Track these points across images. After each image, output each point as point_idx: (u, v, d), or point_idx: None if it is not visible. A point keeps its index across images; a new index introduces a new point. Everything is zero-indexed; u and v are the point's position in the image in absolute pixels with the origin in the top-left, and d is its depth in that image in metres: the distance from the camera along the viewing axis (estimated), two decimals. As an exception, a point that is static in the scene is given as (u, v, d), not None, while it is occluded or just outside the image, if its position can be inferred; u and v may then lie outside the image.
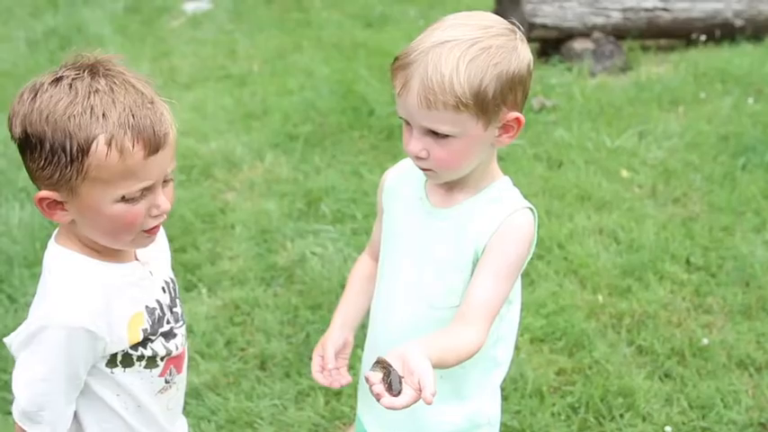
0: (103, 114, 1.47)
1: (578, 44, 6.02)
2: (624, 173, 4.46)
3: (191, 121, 5.43)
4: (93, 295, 1.58)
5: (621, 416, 2.88)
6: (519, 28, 1.72)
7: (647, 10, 6.22)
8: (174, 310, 1.74)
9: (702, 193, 4.27)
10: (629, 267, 3.64)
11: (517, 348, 2.90)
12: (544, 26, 6.01)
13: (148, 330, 1.65)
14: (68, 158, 1.48)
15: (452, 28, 1.66)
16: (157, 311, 1.68)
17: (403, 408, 1.41)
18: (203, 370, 3.21)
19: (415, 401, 1.41)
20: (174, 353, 1.71)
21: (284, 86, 5.85)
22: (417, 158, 1.72)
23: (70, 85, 1.49)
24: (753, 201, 4.15)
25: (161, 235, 1.73)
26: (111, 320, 1.59)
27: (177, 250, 3.99)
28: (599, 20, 6.10)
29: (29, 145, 1.51)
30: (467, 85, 1.61)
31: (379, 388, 1.40)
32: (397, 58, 1.68)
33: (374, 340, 1.97)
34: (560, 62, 5.96)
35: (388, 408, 1.40)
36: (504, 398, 2.73)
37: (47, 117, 1.47)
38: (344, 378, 2.01)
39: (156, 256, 1.74)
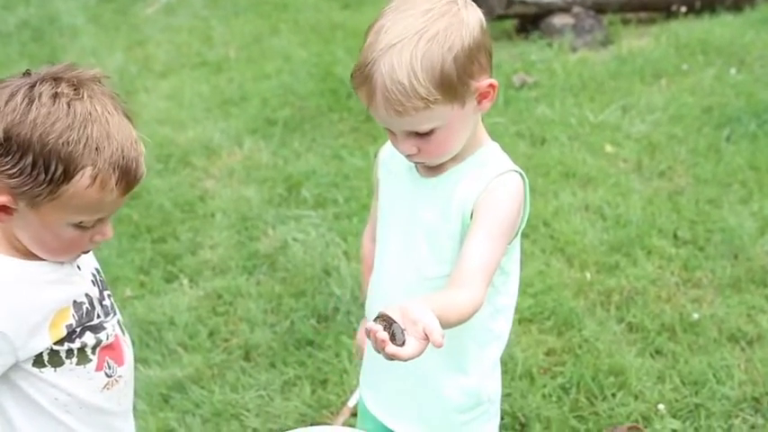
0: (97, 148, 1.46)
1: (558, 19, 5.95)
2: (608, 148, 4.41)
3: (167, 110, 5.36)
4: (10, 296, 1.54)
5: (613, 395, 2.83)
6: None
7: (626, -17, 6.16)
8: (104, 303, 1.69)
9: (688, 165, 4.22)
10: (617, 243, 3.59)
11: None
12: (523, 2, 5.93)
13: (73, 325, 1.59)
14: (48, 179, 1.45)
15: (395, 24, 1.61)
16: (85, 306, 1.63)
17: (408, 358, 1.36)
18: (186, 362, 3.14)
19: (421, 351, 1.37)
20: (105, 342, 1.65)
21: (261, 71, 5.77)
22: (410, 156, 1.71)
23: (69, 105, 1.46)
24: (738, 172, 4.11)
25: None
26: (31, 322, 1.53)
27: (157, 241, 3.93)
28: (578, -6, 6.03)
29: (6, 148, 1.46)
30: (429, 83, 1.58)
31: (384, 335, 1.35)
32: (353, 75, 1.64)
33: (371, 311, 1.95)
34: (540, 38, 5.89)
35: (391, 356, 1.35)
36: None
37: (40, 134, 1.44)
38: None
39: None
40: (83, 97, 1.47)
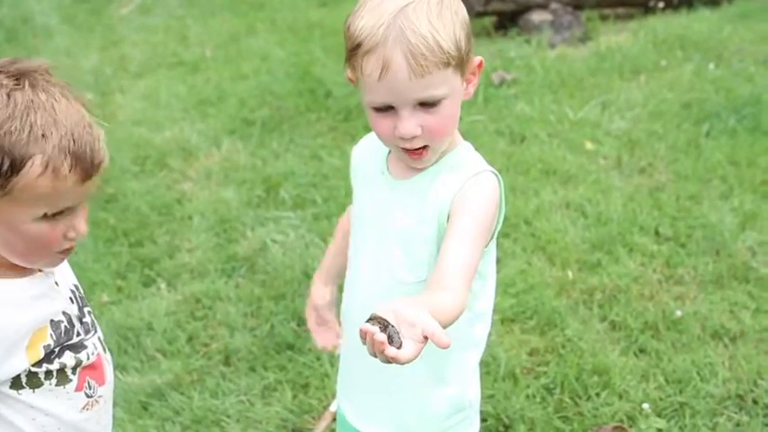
0: (43, 135, 1.38)
1: (536, 16, 5.94)
2: (588, 145, 4.39)
3: (143, 111, 5.30)
4: None
5: (598, 395, 2.80)
6: None
7: (603, -22, 6.16)
8: (84, 320, 1.61)
9: (668, 162, 4.21)
10: (598, 241, 3.57)
11: (488, 330, 2.82)
12: (501, -1, 5.92)
13: (51, 346, 1.52)
14: None
15: None
16: (64, 324, 1.55)
17: (407, 361, 1.30)
18: (165, 369, 3.09)
19: (418, 354, 1.31)
20: (86, 362, 1.58)
21: (239, 71, 5.72)
22: (410, 140, 1.62)
23: (8, 96, 1.38)
24: (718, 167, 4.10)
25: None
26: (6, 344, 1.46)
27: (134, 244, 3.87)
28: (556, -10, 6.02)
29: None
30: (449, 39, 1.55)
31: (382, 336, 1.29)
32: (358, 45, 1.56)
33: (348, 317, 1.91)
34: (518, 35, 5.88)
35: (391, 358, 1.29)
36: (477, 382, 2.65)
37: None
38: (334, 338, 2.03)
39: (59, 266, 1.62)
40: (24, 87, 1.40)
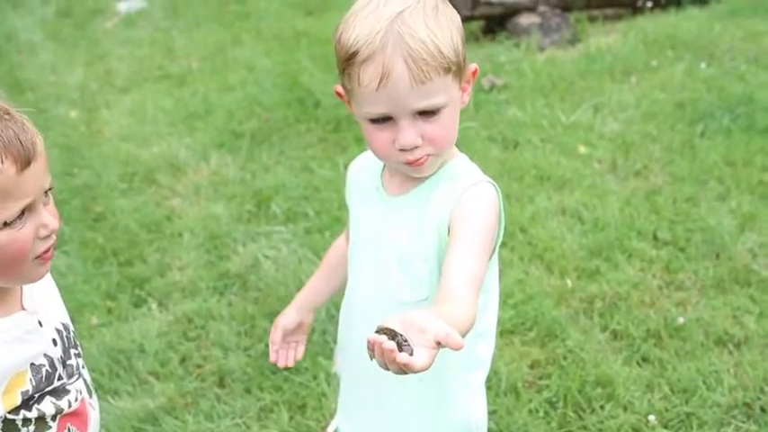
0: None
1: (524, 19, 5.89)
2: (582, 149, 4.33)
3: (130, 126, 5.24)
4: None
5: (602, 407, 2.73)
6: None
7: (591, -21, 6.12)
8: (69, 363, 1.53)
9: (663, 163, 4.15)
10: (596, 247, 3.51)
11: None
12: (488, 3, 5.87)
13: (30, 392, 1.43)
14: None
15: (388, 2, 1.51)
16: (45, 368, 1.46)
17: (421, 368, 1.21)
18: (158, 392, 3.01)
19: (432, 361, 1.23)
20: (68, 410, 1.50)
21: (226, 83, 5.66)
22: (410, 150, 1.56)
23: None
24: (715, 168, 4.05)
25: (46, 276, 1.51)
26: None
27: (123, 264, 3.80)
28: (544, -7, 5.97)
29: None
30: (448, 44, 1.51)
31: (391, 344, 1.21)
32: (353, 54, 1.50)
33: (346, 339, 1.86)
34: (507, 38, 5.83)
35: (404, 366, 1.21)
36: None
37: None
38: (292, 358, 2.02)
39: (46, 301, 1.53)
40: None
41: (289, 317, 1.98)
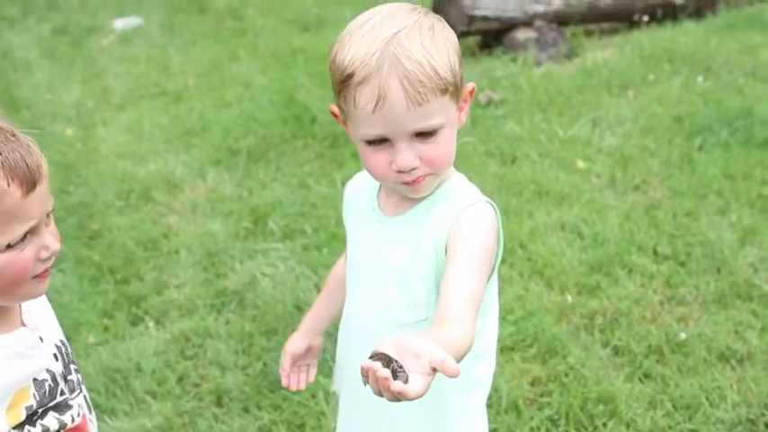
0: None
1: (521, 34, 5.89)
2: (580, 163, 4.32)
3: (126, 143, 5.21)
4: None
5: (604, 425, 2.71)
6: None
7: (587, -6, 6.12)
8: (69, 378, 1.52)
9: (662, 178, 4.14)
10: (596, 263, 3.49)
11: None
12: (485, 18, 5.87)
13: (34, 407, 1.42)
14: None
15: (384, 22, 1.49)
16: (48, 383, 1.45)
17: (416, 396, 1.19)
18: (155, 411, 2.98)
19: (428, 387, 1.21)
20: (71, 425, 1.49)
21: (222, 100, 5.64)
22: (407, 172, 1.54)
23: None
24: (714, 182, 4.03)
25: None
26: None
27: (119, 282, 3.77)
28: (539, 7, 5.98)
29: None
30: (444, 65, 1.49)
31: (386, 372, 1.18)
32: (349, 76, 1.48)
33: (344, 359, 1.83)
34: (504, 53, 5.82)
35: (398, 394, 1.18)
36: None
37: None
38: (303, 381, 2.01)
39: (44, 318, 1.52)
40: None
41: (296, 343, 1.96)
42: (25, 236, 1.35)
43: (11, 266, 1.35)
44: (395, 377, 1.19)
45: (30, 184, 1.32)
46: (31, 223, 1.35)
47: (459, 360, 1.39)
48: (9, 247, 1.33)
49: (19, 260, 1.35)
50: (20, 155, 1.32)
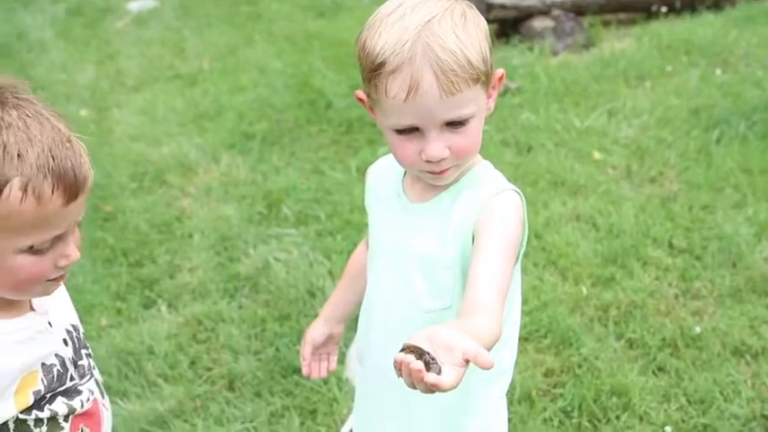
0: (18, 154, 1.26)
1: (538, 23, 5.85)
2: (596, 154, 4.29)
3: (140, 126, 5.21)
4: None
5: (618, 417, 2.69)
6: None
7: (605, -16, 6.07)
8: (80, 363, 1.50)
9: (678, 170, 4.11)
10: (611, 255, 3.47)
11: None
12: (502, 6, 5.83)
13: (42, 392, 1.40)
14: None
15: (415, 9, 1.47)
16: (56, 368, 1.44)
17: (450, 388, 1.18)
18: (167, 395, 2.98)
19: (461, 379, 1.20)
20: (80, 410, 1.47)
21: (237, 84, 5.62)
22: (437, 162, 1.53)
23: None
24: (731, 175, 4.00)
25: None
26: None
27: (133, 264, 3.77)
28: (558, -4, 5.93)
29: None
30: (477, 54, 1.47)
31: (419, 364, 1.18)
32: (381, 65, 1.46)
33: (365, 346, 1.82)
34: (521, 42, 5.79)
35: (432, 386, 1.18)
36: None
37: None
38: (324, 369, 1.99)
39: (56, 303, 1.51)
40: None
41: (316, 331, 1.95)
42: (51, 242, 1.34)
43: (28, 269, 1.34)
44: (428, 369, 1.18)
45: (72, 194, 1.31)
46: (61, 231, 1.34)
47: (490, 347, 1.39)
48: (32, 248, 1.32)
49: (37, 264, 1.34)
50: (71, 164, 1.30)
